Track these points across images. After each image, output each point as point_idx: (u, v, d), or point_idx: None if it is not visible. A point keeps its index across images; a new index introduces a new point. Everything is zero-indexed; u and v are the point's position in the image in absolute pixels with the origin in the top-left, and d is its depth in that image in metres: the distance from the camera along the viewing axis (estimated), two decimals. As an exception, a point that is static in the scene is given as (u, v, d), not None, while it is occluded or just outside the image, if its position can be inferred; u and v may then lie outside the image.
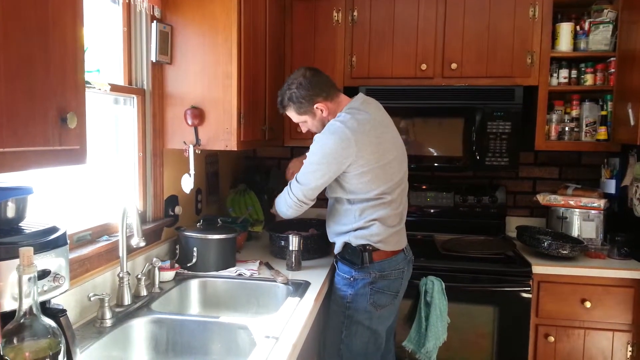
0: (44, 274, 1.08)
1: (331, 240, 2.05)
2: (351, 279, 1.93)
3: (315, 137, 1.89)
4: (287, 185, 1.98)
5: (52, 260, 1.10)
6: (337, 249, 2.01)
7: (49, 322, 0.97)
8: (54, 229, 1.14)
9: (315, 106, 1.94)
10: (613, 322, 2.32)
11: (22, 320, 0.93)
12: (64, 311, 1.12)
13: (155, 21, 1.95)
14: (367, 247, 1.90)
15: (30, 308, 0.94)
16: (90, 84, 1.55)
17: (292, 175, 2.03)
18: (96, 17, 1.76)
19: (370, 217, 1.88)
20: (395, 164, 1.91)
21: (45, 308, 1.11)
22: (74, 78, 1.01)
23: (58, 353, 0.96)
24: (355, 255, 1.92)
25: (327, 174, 1.84)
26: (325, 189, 1.95)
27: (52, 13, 0.95)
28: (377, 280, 1.90)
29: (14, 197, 1.09)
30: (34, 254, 0.95)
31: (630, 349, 2.31)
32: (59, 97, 0.97)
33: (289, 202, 1.93)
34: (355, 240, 1.91)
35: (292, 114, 2.00)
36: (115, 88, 1.79)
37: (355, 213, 1.90)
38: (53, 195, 1.55)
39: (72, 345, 1.10)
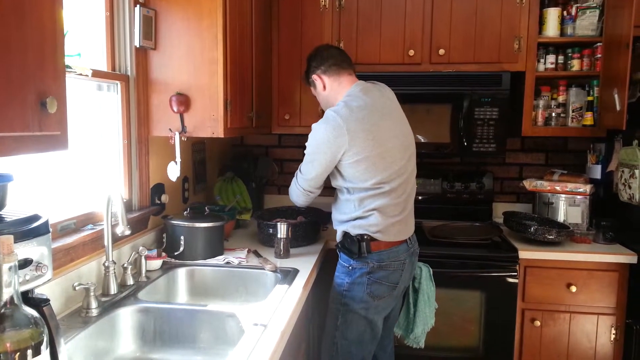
0: (25, 263, 1.05)
1: (334, 228, 2.04)
2: (349, 267, 1.92)
3: (312, 125, 1.89)
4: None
5: (33, 249, 1.08)
6: (338, 237, 2.01)
7: (31, 312, 0.95)
8: (35, 217, 1.11)
9: (313, 76, 2.03)
10: (598, 305, 2.35)
11: (2, 311, 0.91)
12: (46, 301, 1.09)
13: (138, 5, 1.90)
14: (365, 237, 1.88)
15: (12, 298, 0.92)
16: (71, 68, 1.51)
17: None
18: (78, 0, 1.71)
19: (369, 207, 1.87)
20: (395, 152, 1.89)
21: (28, 298, 1.08)
22: (53, 62, 0.98)
23: (40, 343, 0.94)
24: (353, 245, 1.91)
25: (324, 163, 1.85)
26: (329, 178, 1.95)
27: (28, -6, 0.91)
28: (375, 270, 1.89)
29: (-7, 184, 1.06)
30: (15, 242, 0.92)
31: (614, 332, 2.35)
32: (38, 81, 0.94)
33: (298, 192, 1.98)
34: (354, 229, 1.90)
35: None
36: (98, 74, 1.75)
37: (354, 203, 1.89)
38: (36, 183, 1.52)
39: (56, 335, 1.08)
